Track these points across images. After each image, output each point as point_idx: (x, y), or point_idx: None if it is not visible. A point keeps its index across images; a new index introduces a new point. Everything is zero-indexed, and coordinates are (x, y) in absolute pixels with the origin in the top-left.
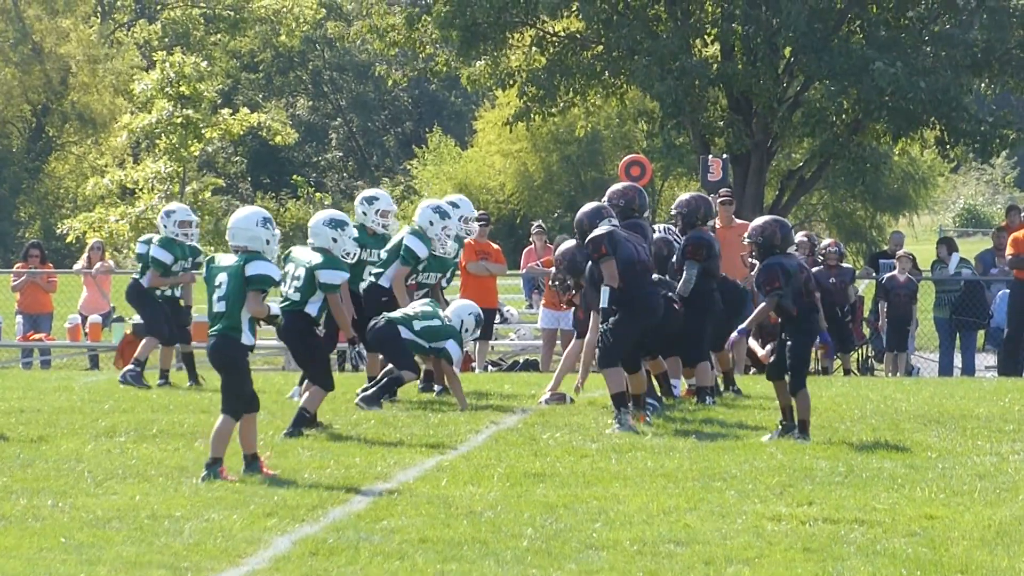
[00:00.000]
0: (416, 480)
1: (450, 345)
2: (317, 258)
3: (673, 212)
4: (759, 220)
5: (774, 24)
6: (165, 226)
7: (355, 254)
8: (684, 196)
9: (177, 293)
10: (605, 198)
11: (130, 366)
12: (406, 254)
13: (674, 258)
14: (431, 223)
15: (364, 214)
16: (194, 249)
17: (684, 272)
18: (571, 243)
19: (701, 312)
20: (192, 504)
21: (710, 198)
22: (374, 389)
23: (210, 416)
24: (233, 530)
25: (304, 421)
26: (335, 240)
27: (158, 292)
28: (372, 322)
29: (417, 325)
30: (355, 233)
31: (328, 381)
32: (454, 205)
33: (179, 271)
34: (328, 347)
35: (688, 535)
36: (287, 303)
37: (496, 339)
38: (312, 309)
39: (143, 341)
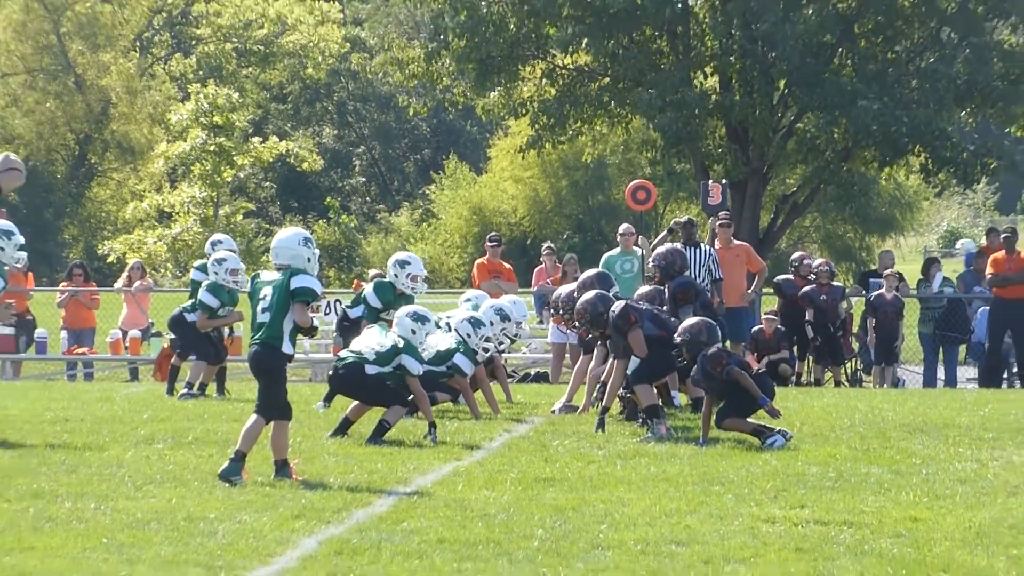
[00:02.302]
0: (434, 484)
1: (459, 359)
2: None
3: (651, 266)
4: (661, 248)
5: (769, 58)
6: (216, 272)
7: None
8: (660, 250)
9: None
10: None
11: (184, 390)
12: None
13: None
14: (395, 275)
15: (396, 276)
16: (232, 296)
17: (680, 315)
18: (591, 295)
19: None
20: (225, 507)
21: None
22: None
23: (239, 424)
24: (264, 531)
25: (382, 431)
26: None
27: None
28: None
29: (426, 356)
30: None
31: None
32: (405, 263)
33: (224, 314)
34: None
35: (688, 536)
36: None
37: (509, 353)
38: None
39: (193, 365)
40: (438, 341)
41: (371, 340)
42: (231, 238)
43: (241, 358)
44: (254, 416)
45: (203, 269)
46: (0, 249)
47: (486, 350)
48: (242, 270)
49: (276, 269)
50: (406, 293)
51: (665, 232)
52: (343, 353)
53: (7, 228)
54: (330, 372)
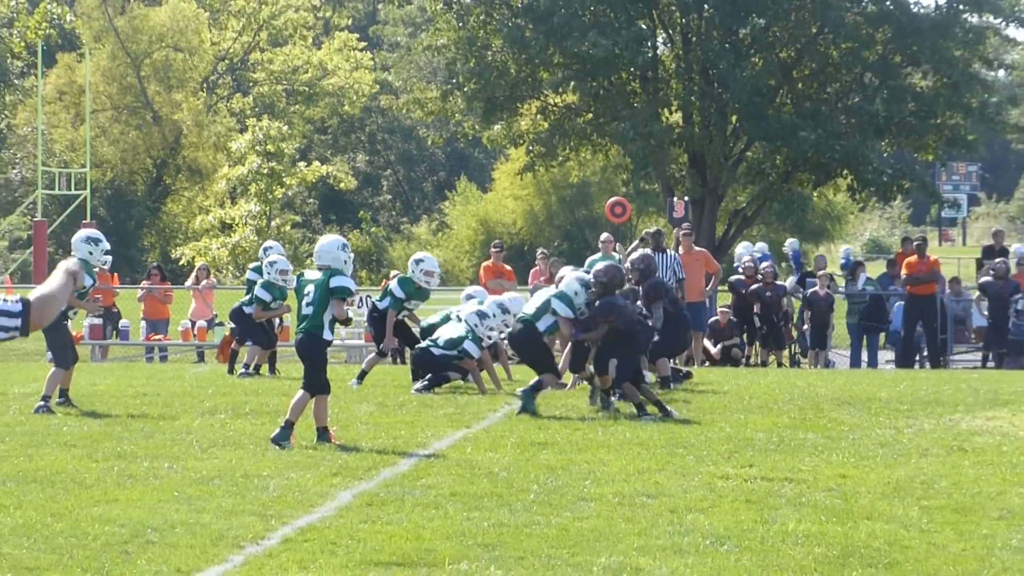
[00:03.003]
0: (447, 448)
1: (467, 345)
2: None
3: (628, 268)
4: (636, 254)
5: (723, 98)
6: (268, 273)
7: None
8: (636, 255)
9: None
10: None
11: (242, 370)
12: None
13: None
14: (412, 271)
15: (413, 272)
16: (282, 292)
17: (654, 312)
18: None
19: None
20: (276, 466)
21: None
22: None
23: (289, 399)
24: (307, 486)
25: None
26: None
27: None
28: (413, 354)
29: (440, 342)
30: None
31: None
32: (420, 260)
33: (275, 307)
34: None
35: (657, 490)
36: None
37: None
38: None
39: (249, 349)
40: (450, 331)
41: (448, 331)
42: (280, 245)
43: (289, 344)
44: (300, 391)
45: (257, 270)
46: (89, 253)
47: (490, 337)
48: (290, 270)
49: (318, 269)
50: (422, 287)
51: (638, 241)
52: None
53: (96, 236)
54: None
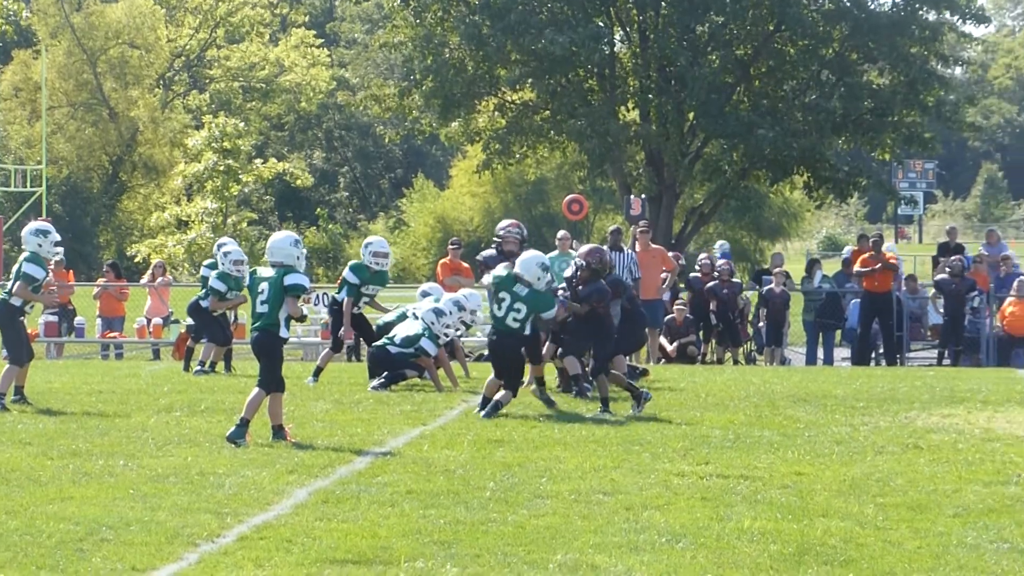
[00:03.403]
0: (404, 445)
1: (424, 343)
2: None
3: (584, 265)
4: (585, 248)
5: (680, 96)
6: (223, 263)
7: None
8: (586, 249)
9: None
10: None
11: (198, 367)
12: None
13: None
14: (364, 255)
15: (364, 255)
16: (238, 282)
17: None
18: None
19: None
20: (231, 464)
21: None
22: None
23: (244, 396)
24: (263, 484)
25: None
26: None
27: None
28: (369, 351)
29: (396, 340)
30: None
31: None
32: (369, 243)
33: (231, 297)
34: None
35: (613, 487)
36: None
37: (465, 336)
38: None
39: (204, 346)
40: (407, 328)
41: (405, 329)
42: (236, 241)
43: (245, 341)
44: (256, 389)
45: (212, 267)
46: (39, 245)
47: (447, 335)
48: (244, 260)
49: (271, 266)
50: (375, 269)
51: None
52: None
53: (44, 228)
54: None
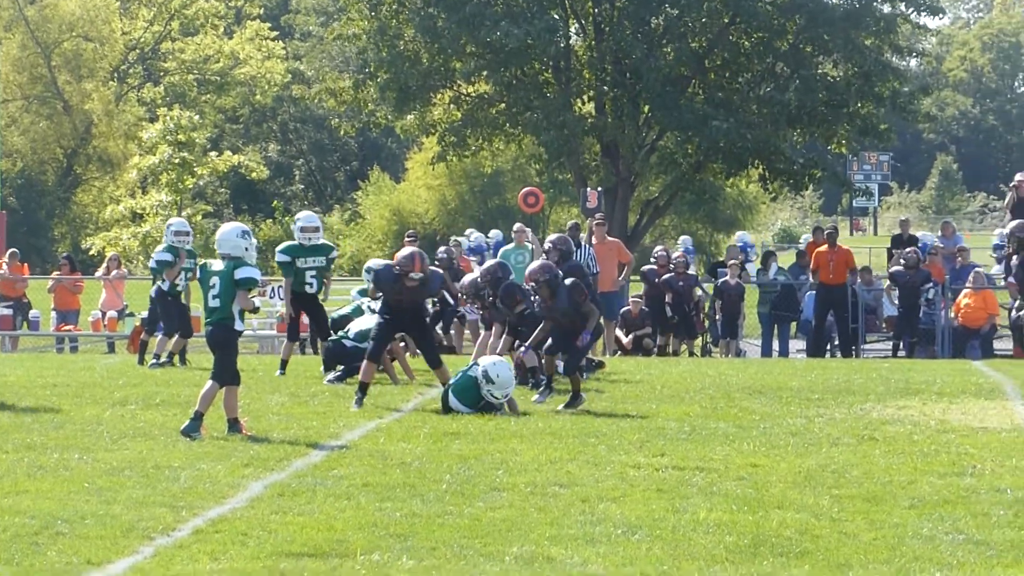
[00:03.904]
0: (360, 438)
1: None
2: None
3: (551, 249)
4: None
5: (636, 88)
6: (166, 236)
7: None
8: (554, 236)
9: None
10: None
11: (153, 359)
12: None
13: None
14: (294, 231)
15: (294, 232)
16: (190, 252)
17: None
18: (491, 263)
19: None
20: (187, 457)
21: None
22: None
23: (199, 389)
24: (218, 477)
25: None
26: (246, 249)
27: (176, 288)
28: (325, 346)
29: (351, 334)
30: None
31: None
32: (297, 219)
33: (184, 264)
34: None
35: (569, 479)
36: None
37: None
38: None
39: (160, 339)
40: (363, 323)
41: (360, 323)
42: (186, 222)
43: (200, 334)
44: (210, 382)
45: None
46: None
47: None
48: (188, 232)
49: (220, 258)
50: (303, 244)
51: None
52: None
53: None
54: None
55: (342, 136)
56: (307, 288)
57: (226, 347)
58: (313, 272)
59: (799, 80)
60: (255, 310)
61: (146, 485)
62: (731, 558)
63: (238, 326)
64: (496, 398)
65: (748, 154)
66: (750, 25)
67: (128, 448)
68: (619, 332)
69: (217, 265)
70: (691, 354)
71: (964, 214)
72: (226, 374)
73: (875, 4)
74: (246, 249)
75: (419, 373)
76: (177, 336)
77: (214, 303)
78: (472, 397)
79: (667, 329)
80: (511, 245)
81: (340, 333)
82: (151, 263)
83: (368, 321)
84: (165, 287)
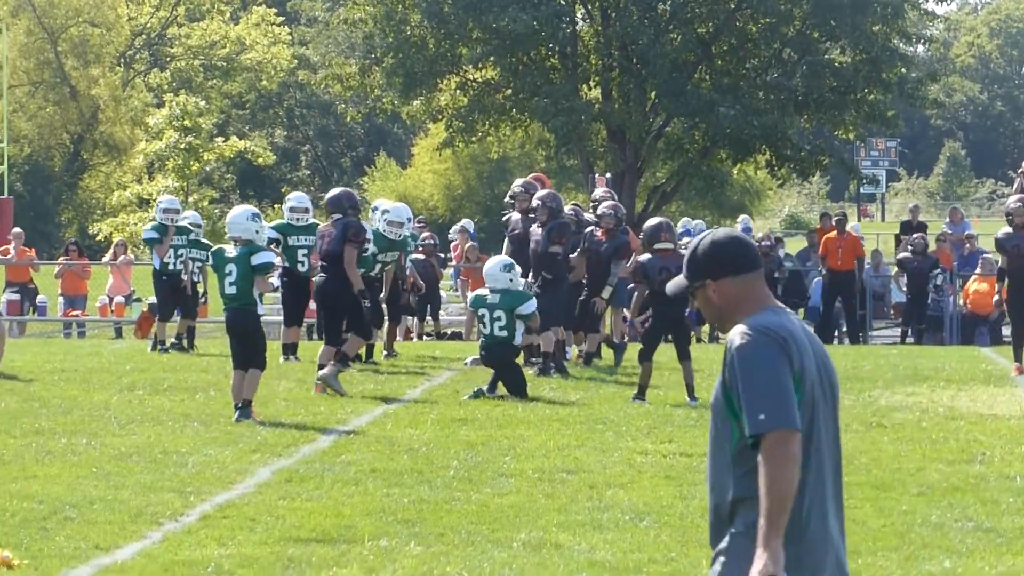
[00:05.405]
0: (367, 424)
1: None
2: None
3: (540, 206)
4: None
5: (642, 73)
6: (156, 214)
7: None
8: (544, 192)
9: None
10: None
11: (173, 341)
12: None
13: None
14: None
15: (284, 213)
16: (181, 228)
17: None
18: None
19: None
20: (194, 443)
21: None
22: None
23: (207, 375)
24: (226, 462)
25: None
26: (257, 232)
27: (168, 266)
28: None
29: None
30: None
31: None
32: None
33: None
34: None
35: (577, 465)
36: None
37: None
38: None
39: (179, 321)
40: None
41: None
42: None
43: (208, 320)
44: (250, 370)
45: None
46: None
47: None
48: (177, 210)
49: (231, 241)
50: (295, 225)
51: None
52: None
53: None
54: None
55: (348, 122)
56: (299, 267)
57: (251, 332)
58: (305, 251)
59: (806, 66)
60: (275, 290)
61: (154, 470)
62: None
63: (260, 310)
64: None
65: (755, 140)
66: (757, 11)
67: (136, 433)
68: (629, 315)
69: (231, 250)
70: (699, 340)
71: (972, 200)
72: (259, 356)
73: None
74: (257, 232)
75: (411, 361)
76: (179, 317)
77: (231, 290)
78: None
79: None
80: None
81: None
82: (143, 232)
83: None
84: (157, 265)
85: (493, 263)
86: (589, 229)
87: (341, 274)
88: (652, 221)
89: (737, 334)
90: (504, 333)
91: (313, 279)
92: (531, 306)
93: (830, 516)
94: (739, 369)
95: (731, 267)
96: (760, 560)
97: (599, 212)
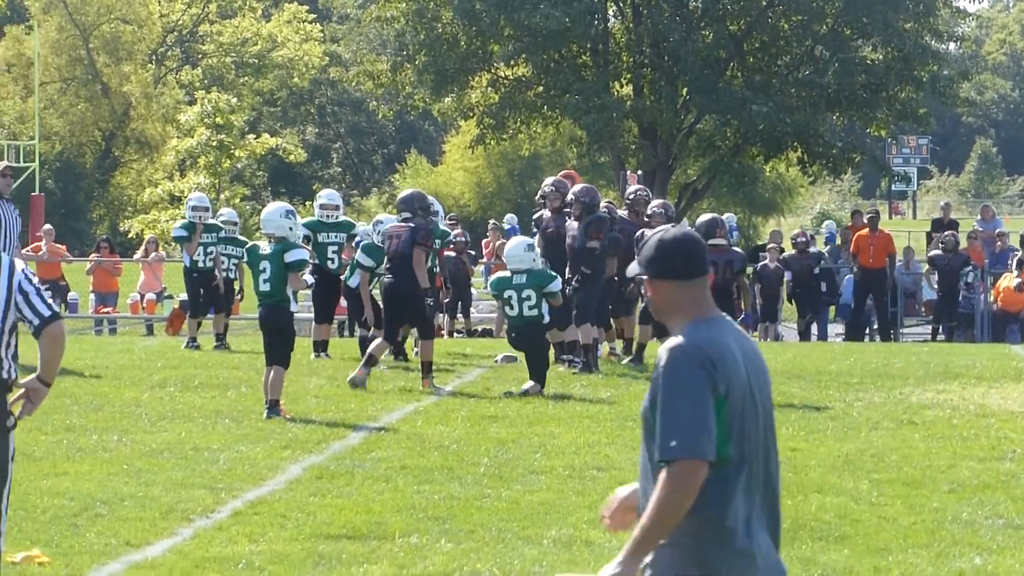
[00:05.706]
0: (398, 421)
1: None
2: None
3: (575, 201)
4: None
5: (674, 70)
6: (186, 212)
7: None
8: (579, 187)
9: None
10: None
11: (216, 342)
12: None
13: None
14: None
15: (314, 210)
16: (211, 226)
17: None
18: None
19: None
20: (225, 439)
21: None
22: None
23: (239, 371)
24: (257, 459)
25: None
26: (291, 228)
27: (197, 263)
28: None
29: None
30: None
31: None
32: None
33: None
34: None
35: (607, 463)
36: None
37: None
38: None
39: (215, 319)
40: None
41: None
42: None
43: (240, 317)
44: (274, 368)
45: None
46: None
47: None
48: (207, 208)
49: (265, 238)
50: (325, 222)
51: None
52: None
53: None
54: None
55: (379, 119)
56: (329, 264)
57: (283, 329)
58: (335, 248)
59: (838, 63)
60: (309, 287)
61: (185, 467)
62: None
63: (292, 307)
64: None
65: (787, 137)
66: (789, 8)
67: (167, 430)
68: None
69: (265, 247)
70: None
71: (1003, 198)
72: (287, 355)
73: None
74: (291, 229)
75: (443, 358)
76: (214, 314)
77: (265, 287)
78: None
79: None
80: None
81: None
82: (172, 231)
83: None
84: (187, 262)
85: (515, 243)
86: (640, 231)
87: (410, 275)
88: (705, 217)
89: (665, 351)
90: (534, 312)
91: (341, 276)
92: (558, 284)
93: (760, 528)
94: (661, 391)
95: (670, 271)
96: (611, 568)
97: (649, 211)
